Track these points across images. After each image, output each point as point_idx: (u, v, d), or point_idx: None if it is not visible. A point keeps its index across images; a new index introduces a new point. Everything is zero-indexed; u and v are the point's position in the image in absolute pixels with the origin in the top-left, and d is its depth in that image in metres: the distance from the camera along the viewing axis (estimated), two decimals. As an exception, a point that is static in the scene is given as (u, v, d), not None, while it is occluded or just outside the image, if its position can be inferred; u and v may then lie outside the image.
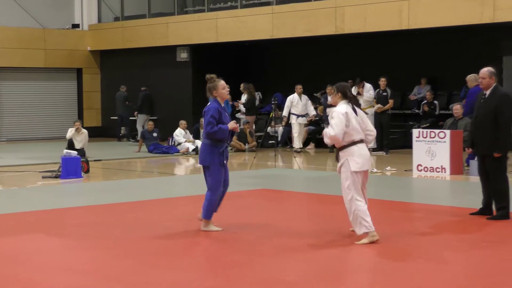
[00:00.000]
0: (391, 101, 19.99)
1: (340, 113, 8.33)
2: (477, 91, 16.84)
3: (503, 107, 9.61)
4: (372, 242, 8.15)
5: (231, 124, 8.96)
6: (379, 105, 19.92)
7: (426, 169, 15.39)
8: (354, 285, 6.72)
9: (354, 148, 8.39)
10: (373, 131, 8.70)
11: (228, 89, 9.27)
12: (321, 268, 7.25)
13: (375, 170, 15.95)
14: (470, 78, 16.98)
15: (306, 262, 7.50)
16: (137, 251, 8.08)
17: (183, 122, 21.55)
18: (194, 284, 6.72)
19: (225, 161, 8.96)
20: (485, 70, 9.79)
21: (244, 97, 22.83)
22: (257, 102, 23.74)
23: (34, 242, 8.63)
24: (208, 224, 8.99)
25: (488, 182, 9.91)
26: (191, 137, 21.46)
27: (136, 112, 25.41)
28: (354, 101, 8.55)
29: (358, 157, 8.37)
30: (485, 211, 10.00)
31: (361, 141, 8.46)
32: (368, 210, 8.30)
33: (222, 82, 9.36)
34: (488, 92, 9.78)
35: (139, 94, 25.53)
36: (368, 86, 20.27)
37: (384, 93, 20.00)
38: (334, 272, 7.13)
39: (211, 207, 8.92)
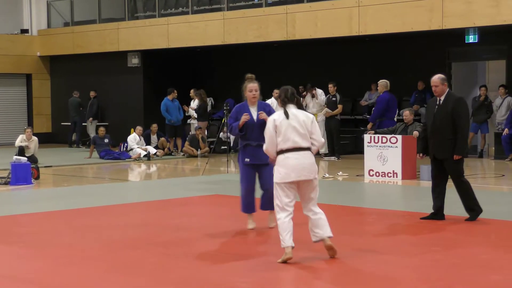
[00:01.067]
0: (340, 106, 20.15)
1: (268, 122, 7.90)
2: (385, 98, 17.44)
3: (459, 110, 9.86)
4: (283, 261, 7.52)
5: (241, 121, 9.32)
6: (326, 109, 20.07)
7: (378, 174, 15.52)
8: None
9: (280, 157, 7.74)
10: (316, 140, 7.85)
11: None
12: (275, 274, 7.25)
13: (327, 175, 16.05)
14: (381, 84, 17.56)
15: (258, 268, 7.50)
16: (86, 259, 7.98)
17: (139, 128, 21.45)
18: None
19: (247, 159, 9.34)
20: (437, 78, 9.98)
21: (195, 103, 22.75)
22: (209, 108, 23.70)
23: (-17, 250, 8.49)
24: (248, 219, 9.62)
25: (442, 187, 10.09)
26: (144, 144, 21.36)
27: (91, 118, 25.22)
28: (296, 104, 7.94)
29: (282, 167, 7.68)
30: (436, 216, 10.13)
31: (295, 149, 7.71)
32: (292, 224, 7.69)
33: (250, 85, 9.77)
34: (442, 98, 9.98)
35: (92, 100, 25.35)
36: (319, 91, 20.40)
37: (333, 98, 20.14)
38: (286, 278, 7.14)
39: (241, 200, 9.63)
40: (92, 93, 25.52)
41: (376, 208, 11.57)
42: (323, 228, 7.80)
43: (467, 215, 10.09)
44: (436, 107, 10.03)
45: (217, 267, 7.57)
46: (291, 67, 23.72)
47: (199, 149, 21.51)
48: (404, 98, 21.57)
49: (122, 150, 21.54)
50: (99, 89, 25.82)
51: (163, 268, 7.53)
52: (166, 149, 21.93)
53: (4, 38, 27.46)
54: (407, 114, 16.30)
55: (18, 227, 10.09)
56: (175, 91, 22.42)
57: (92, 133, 24.50)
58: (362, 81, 22.39)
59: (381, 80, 17.74)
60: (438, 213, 10.13)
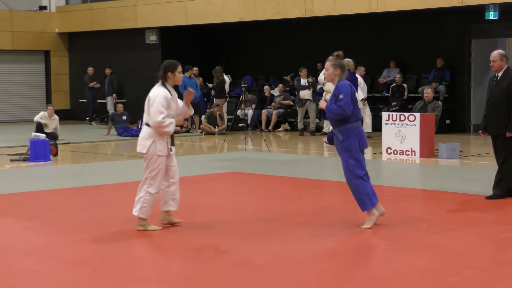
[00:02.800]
0: None
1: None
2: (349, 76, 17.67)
3: None
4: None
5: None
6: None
7: (395, 152, 15.47)
8: (322, 269, 6.73)
9: None
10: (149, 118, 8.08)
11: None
12: (290, 251, 7.26)
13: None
14: (347, 63, 17.68)
15: (275, 245, 7.51)
16: (105, 234, 8.02)
17: None
18: (158, 266, 6.71)
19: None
20: (496, 53, 9.84)
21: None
22: (227, 85, 23.67)
23: (0, 226, 8.54)
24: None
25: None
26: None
27: (114, 95, 25.24)
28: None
29: None
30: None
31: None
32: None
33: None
34: (500, 74, 9.82)
35: (109, 77, 25.39)
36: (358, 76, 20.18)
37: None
38: (303, 255, 7.14)
39: (366, 193, 8.32)
40: (107, 70, 25.55)
41: (394, 186, 11.54)
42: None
43: None
44: (494, 83, 9.88)
45: (234, 244, 7.58)
46: (308, 44, 23.60)
47: (216, 126, 21.51)
48: (423, 75, 21.46)
49: (139, 127, 21.54)
50: (117, 66, 25.85)
51: (179, 244, 7.55)
52: (183, 127, 21.94)
53: (23, 14, 27.51)
54: (428, 91, 16.20)
55: (37, 203, 10.15)
56: (193, 68, 22.43)
57: (111, 110, 24.56)
58: (381, 59, 22.27)
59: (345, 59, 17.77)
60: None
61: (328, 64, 8.25)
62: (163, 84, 8.13)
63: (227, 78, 23.24)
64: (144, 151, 8.09)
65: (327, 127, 20.19)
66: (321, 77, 19.81)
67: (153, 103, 7.99)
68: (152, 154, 8.04)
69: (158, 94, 8.03)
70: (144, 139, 8.08)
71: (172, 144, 8.21)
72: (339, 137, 8.11)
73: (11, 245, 7.63)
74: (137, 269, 6.77)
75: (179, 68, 8.20)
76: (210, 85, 22.93)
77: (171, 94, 8.10)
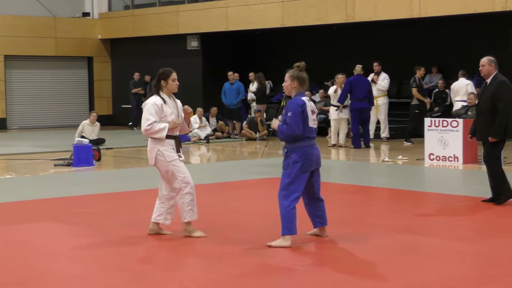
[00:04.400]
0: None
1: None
2: (348, 80, 18.75)
3: (501, 93, 9.75)
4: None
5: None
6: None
7: (438, 158, 15.34)
8: (360, 275, 6.70)
9: None
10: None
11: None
12: (323, 256, 7.24)
13: (386, 159, 15.93)
14: (357, 68, 18.95)
15: (314, 251, 7.49)
16: (146, 239, 8.06)
17: (199, 109, 21.56)
18: (200, 272, 6.72)
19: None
20: (485, 58, 9.97)
21: (254, 86, 22.82)
22: (267, 91, 23.71)
23: (44, 230, 8.65)
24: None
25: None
26: (206, 124, 21.42)
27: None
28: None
29: None
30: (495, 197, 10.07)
31: None
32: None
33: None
34: (489, 80, 9.92)
35: (150, 83, 25.49)
36: (384, 75, 20.14)
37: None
38: (341, 261, 7.12)
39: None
40: (147, 77, 25.67)
41: (437, 192, 11.44)
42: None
43: None
44: (483, 89, 10.01)
45: (275, 248, 7.57)
46: (349, 50, 23.53)
47: (257, 132, 21.54)
48: (466, 81, 21.25)
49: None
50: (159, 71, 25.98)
51: (221, 250, 7.57)
52: (225, 133, 22.04)
53: (66, 21, 27.85)
54: (471, 97, 16.11)
55: (79, 208, 10.25)
56: (234, 74, 22.58)
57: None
58: (422, 64, 22.07)
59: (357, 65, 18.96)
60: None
61: (286, 75, 7.84)
62: (157, 93, 8.11)
63: (267, 84, 23.27)
64: (152, 163, 8.12)
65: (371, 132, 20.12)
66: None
67: (143, 112, 8.04)
68: (162, 164, 8.02)
69: (147, 103, 8.04)
70: (149, 151, 8.13)
71: (178, 150, 8.12)
72: (283, 151, 7.79)
73: (54, 249, 7.72)
74: (179, 274, 6.80)
75: (172, 76, 8.15)
76: (250, 91, 23.00)
77: (165, 102, 8.04)
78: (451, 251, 7.47)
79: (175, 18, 25.58)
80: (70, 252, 7.55)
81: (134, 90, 25.92)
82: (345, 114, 18.99)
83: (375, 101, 19.46)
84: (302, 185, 7.68)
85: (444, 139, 15.28)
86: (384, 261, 7.15)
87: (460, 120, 15.25)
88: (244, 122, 22.39)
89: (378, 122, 20.40)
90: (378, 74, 20.13)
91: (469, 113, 16.06)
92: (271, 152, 17.76)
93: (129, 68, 27.13)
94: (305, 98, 7.72)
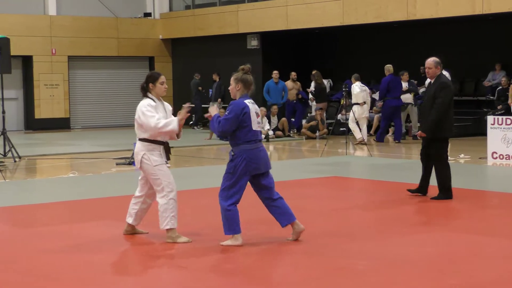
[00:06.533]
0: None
1: None
2: (385, 80, 19.54)
3: (440, 92, 10.06)
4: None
5: None
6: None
7: (501, 157, 15.09)
8: (418, 274, 6.64)
9: None
10: None
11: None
12: (390, 256, 7.18)
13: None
14: (386, 68, 19.60)
15: (374, 250, 7.44)
16: (204, 237, 8.10)
17: (262, 109, 21.58)
18: (259, 271, 6.73)
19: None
20: (431, 60, 10.33)
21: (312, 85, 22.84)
22: (327, 89, 23.64)
23: (107, 228, 8.75)
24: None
25: (428, 165, 10.40)
26: (267, 124, 21.43)
27: (219, 100, 25.32)
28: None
29: None
30: (420, 190, 10.53)
31: None
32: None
33: None
34: (432, 81, 10.31)
35: (218, 82, 25.45)
36: (444, 72, 19.85)
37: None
38: (400, 260, 7.05)
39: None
40: (215, 76, 25.69)
41: (500, 191, 11.26)
42: None
43: None
44: (427, 88, 10.46)
45: (333, 248, 7.55)
46: (409, 47, 23.31)
47: (317, 131, 21.49)
48: (530, 78, 20.88)
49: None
50: (219, 71, 26.09)
51: (279, 248, 7.57)
52: (286, 132, 22.05)
53: (128, 21, 28.20)
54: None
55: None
56: (292, 73, 22.70)
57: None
58: (485, 61, 21.78)
59: (387, 65, 19.68)
60: (422, 188, 10.53)
61: (231, 78, 7.75)
62: (145, 95, 8.02)
63: (326, 83, 23.19)
64: (138, 166, 8.05)
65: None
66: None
67: (140, 115, 7.86)
68: (147, 168, 7.93)
69: (140, 106, 7.90)
70: (136, 154, 8.02)
71: (167, 157, 8.03)
72: (230, 154, 7.69)
73: (114, 247, 7.82)
74: (250, 272, 6.82)
75: (160, 79, 8.03)
76: (308, 90, 22.96)
77: (155, 102, 7.96)
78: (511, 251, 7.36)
79: (235, 18, 25.67)
80: (132, 250, 7.63)
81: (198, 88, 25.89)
82: (366, 112, 19.30)
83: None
84: (243, 187, 7.65)
85: (508, 137, 15.02)
86: (443, 261, 7.06)
87: (524, 118, 14.99)
88: (304, 121, 22.36)
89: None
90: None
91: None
92: (331, 151, 17.70)
93: (189, 68, 27.32)
94: (248, 101, 7.65)
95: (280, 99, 22.51)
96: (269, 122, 21.94)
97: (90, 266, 7.01)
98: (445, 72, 19.68)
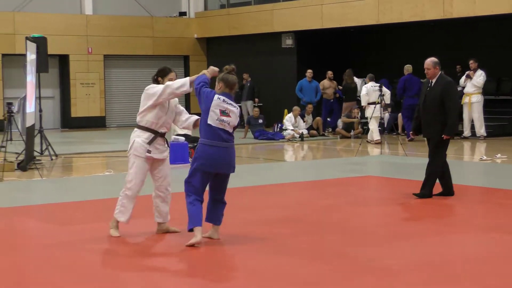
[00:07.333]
0: None
1: None
2: (402, 79, 20.25)
3: (448, 93, 10.21)
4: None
5: None
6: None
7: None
8: (457, 276, 6.58)
9: None
10: None
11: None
12: (428, 256, 7.13)
13: (484, 157, 15.58)
14: (405, 67, 20.47)
15: (408, 250, 7.40)
16: (237, 237, 8.10)
17: (297, 109, 21.58)
18: (293, 269, 6.73)
19: None
20: (429, 61, 10.50)
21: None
22: (359, 88, 23.55)
23: (142, 227, 8.78)
24: None
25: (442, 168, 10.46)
26: (301, 124, 21.39)
27: (257, 99, 25.27)
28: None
29: None
30: (444, 192, 10.53)
31: None
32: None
33: None
34: (434, 81, 10.36)
35: (249, 82, 25.42)
36: (480, 72, 19.72)
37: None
38: (436, 260, 7.00)
39: None
40: (245, 76, 25.71)
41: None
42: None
43: None
44: (428, 88, 10.39)
45: (369, 247, 7.52)
46: (446, 46, 23.12)
47: (352, 130, 21.42)
48: None
49: (276, 130, 21.75)
50: (253, 70, 26.11)
51: (315, 247, 7.56)
52: (321, 131, 22.00)
53: (163, 20, 28.33)
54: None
55: (174, 205, 10.38)
56: (328, 72, 22.67)
57: (250, 113, 24.77)
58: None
59: (406, 65, 20.44)
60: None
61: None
62: None
63: (361, 82, 23.08)
64: (129, 153, 8.09)
65: (467, 131, 19.79)
66: (462, 79, 19.61)
67: (150, 89, 7.92)
68: (130, 154, 8.01)
69: (151, 87, 7.96)
70: (130, 140, 8.07)
71: (150, 143, 7.95)
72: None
73: (147, 246, 7.85)
74: (279, 272, 6.82)
75: (170, 76, 8.09)
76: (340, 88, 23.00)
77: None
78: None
79: (270, 17, 25.67)
80: (172, 249, 7.67)
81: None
82: (377, 112, 19.26)
83: (469, 98, 19.47)
84: (201, 184, 7.66)
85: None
86: (480, 262, 7.01)
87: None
88: (339, 120, 22.30)
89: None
90: (474, 71, 19.74)
91: None
92: (365, 150, 17.63)
93: (224, 67, 27.29)
94: (221, 97, 7.68)
95: (313, 98, 22.52)
96: (304, 121, 21.90)
97: (126, 264, 7.05)
98: (480, 72, 19.70)
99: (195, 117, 8.22)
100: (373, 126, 19.52)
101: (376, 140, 19.28)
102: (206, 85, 7.71)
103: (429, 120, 10.32)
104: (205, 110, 7.66)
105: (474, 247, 7.64)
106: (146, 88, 8.03)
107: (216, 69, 7.82)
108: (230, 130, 7.70)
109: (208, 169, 7.63)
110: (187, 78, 7.86)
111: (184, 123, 8.26)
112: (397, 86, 20.40)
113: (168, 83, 7.90)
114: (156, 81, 8.13)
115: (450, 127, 10.19)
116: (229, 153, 7.67)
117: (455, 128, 10.41)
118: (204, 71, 7.90)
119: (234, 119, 7.68)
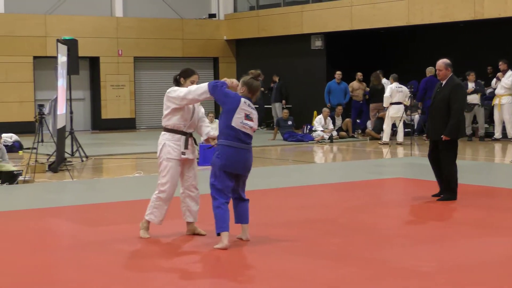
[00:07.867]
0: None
1: None
2: (423, 80, 20.13)
3: (455, 95, 10.08)
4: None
5: None
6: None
7: None
8: (486, 278, 6.54)
9: None
10: None
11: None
12: (457, 259, 7.10)
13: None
14: (427, 70, 20.30)
15: (438, 252, 7.37)
16: (264, 238, 8.10)
17: (326, 110, 21.55)
18: (313, 271, 6.73)
19: None
20: (441, 62, 10.31)
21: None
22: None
23: (173, 228, 8.82)
24: None
25: (439, 167, 10.36)
26: (330, 125, 21.36)
27: (284, 101, 25.24)
28: None
29: None
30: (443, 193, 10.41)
31: None
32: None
33: None
34: (444, 82, 10.25)
35: (279, 83, 25.36)
36: (510, 72, 19.56)
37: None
38: (467, 263, 6.96)
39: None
40: (275, 77, 25.69)
41: None
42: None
43: None
44: (438, 90, 10.31)
45: (398, 250, 7.49)
46: (476, 47, 22.96)
47: (381, 132, 21.32)
48: None
49: (305, 132, 21.74)
50: (283, 72, 26.10)
51: (342, 249, 7.54)
52: (350, 133, 21.95)
53: (193, 22, 28.43)
54: None
55: (204, 206, 10.41)
56: (358, 74, 22.63)
57: (279, 115, 24.75)
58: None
59: (429, 67, 20.11)
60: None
61: (240, 81, 7.85)
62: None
63: (388, 82, 22.98)
64: (158, 156, 8.10)
65: (498, 133, 19.64)
66: (493, 81, 19.49)
67: (172, 92, 7.98)
68: (161, 158, 8.01)
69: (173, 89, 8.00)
70: (159, 144, 8.08)
71: (186, 147, 8.01)
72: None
73: (176, 247, 7.89)
74: (305, 274, 6.82)
75: (193, 78, 8.12)
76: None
77: None
78: None
79: (300, 18, 25.66)
80: (200, 250, 7.71)
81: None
82: (399, 112, 19.40)
83: (499, 99, 19.35)
84: (229, 185, 7.74)
85: None
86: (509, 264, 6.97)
87: None
88: (368, 122, 22.23)
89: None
90: (504, 72, 19.59)
91: None
92: (395, 152, 17.56)
93: (253, 68, 27.17)
94: (247, 101, 7.67)
95: (342, 99, 22.47)
96: (334, 123, 21.85)
97: (154, 265, 7.10)
98: (510, 73, 19.50)
99: (213, 132, 8.27)
100: (386, 126, 19.56)
101: (383, 141, 19.26)
102: (226, 87, 7.70)
103: (437, 122, 10.26)
104: (229, 110, 7.65)
105: (506, 250, 7.58)
106: (167, 91, 8.07)
107: (236, 85, 7.81)
108: (251, 134, 7.74)
109: (229, 170, 7.71)
110: (205, 85, 7.92)
111: (206, 136, 8.29)
112: (419, 87, 20.33)
113: (191, 88, 7.93)
114: (178, 81, 8.16)
115: (450, 128, 10.05)
116: (249, 155, 7.78)
117: (457, 130, 10.16)
118: (226, 78, 7.89)
119: (255, 124, 7.77)
